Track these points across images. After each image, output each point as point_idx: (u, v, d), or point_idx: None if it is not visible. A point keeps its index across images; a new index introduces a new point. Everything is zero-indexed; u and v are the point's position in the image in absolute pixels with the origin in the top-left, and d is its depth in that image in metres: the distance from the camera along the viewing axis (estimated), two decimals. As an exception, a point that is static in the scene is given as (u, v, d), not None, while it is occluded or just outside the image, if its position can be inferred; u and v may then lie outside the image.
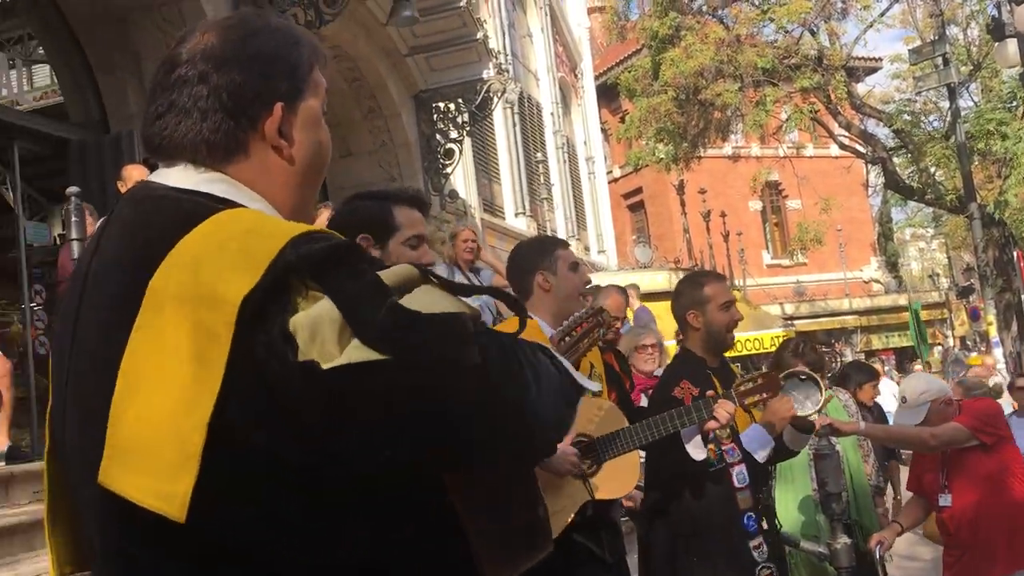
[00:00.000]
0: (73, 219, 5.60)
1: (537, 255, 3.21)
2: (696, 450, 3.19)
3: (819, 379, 3.48)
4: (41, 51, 11.03)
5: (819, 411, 3.48)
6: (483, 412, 1.02)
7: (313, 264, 1.01)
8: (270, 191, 1.19)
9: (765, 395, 3.19)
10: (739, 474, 3.28)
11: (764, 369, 3.59)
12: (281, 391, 0.98)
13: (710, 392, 3.23)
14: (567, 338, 2.60)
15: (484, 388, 1.02)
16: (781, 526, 4.06)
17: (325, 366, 0.96)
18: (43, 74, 13.42)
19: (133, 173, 5.94)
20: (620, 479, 3.09)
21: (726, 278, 3.95)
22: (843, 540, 3.98)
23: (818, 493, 4.45)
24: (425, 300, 1.04)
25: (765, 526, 3.39)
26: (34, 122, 9.01)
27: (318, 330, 0.97)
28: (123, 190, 5.85)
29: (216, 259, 1.01)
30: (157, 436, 0.98)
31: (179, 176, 1.18)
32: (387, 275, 1.04)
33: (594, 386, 1.24)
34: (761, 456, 3.34)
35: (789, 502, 4.76)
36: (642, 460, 3.69)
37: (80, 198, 5.77)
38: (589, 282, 3.28)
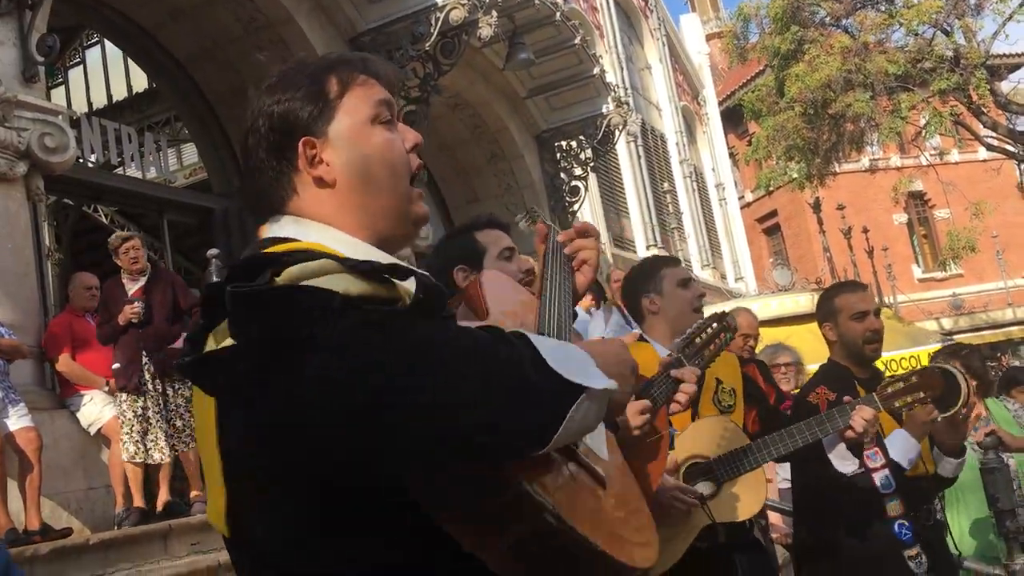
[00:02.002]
0: (214, 279, 5.88)
1: (642, 278, 3.15)
2: (841, 461, 3.01)
3: (959, 372, 3.18)
4: (186, 131, 11.75)
5: (963, 406, 3.19)
6: (320, 399, 0.99)
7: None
8: (331, 218, 1.25)
9: (922, 395, 2.92)
10: (883, 479, 3.01)
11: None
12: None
13: (847, 398, 2.99)
14: (689, 347, 2.49)
15: (321, 369, 0.98)
16: (960, 553, 3.79)
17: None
18: (191, 152, 14.30)
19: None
20: (743, 500, 2.91)
21: (866, 287, 3.74)
22: (1021, 561, 3.66)
23: (991, 511, 4.11)
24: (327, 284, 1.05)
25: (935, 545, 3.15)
26: (180, 195, 9.61)
27: (219, 335, 1.08)
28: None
29: None
30: (209, 466, 1.15)
31: (269, 227, 1.29)
32: (289, 274, 1.06)
33: (609, 383, 1.05)
34: (906, 461, 3.09)
35: (962, 524, 4.44)
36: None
37: (221, 260, 6.07)
38: (702, 295, 3.12)
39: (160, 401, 5.92)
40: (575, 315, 1.62)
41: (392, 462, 1.01)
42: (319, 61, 1.34)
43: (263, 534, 1.12)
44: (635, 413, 1.80)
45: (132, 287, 6.16)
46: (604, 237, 14.17)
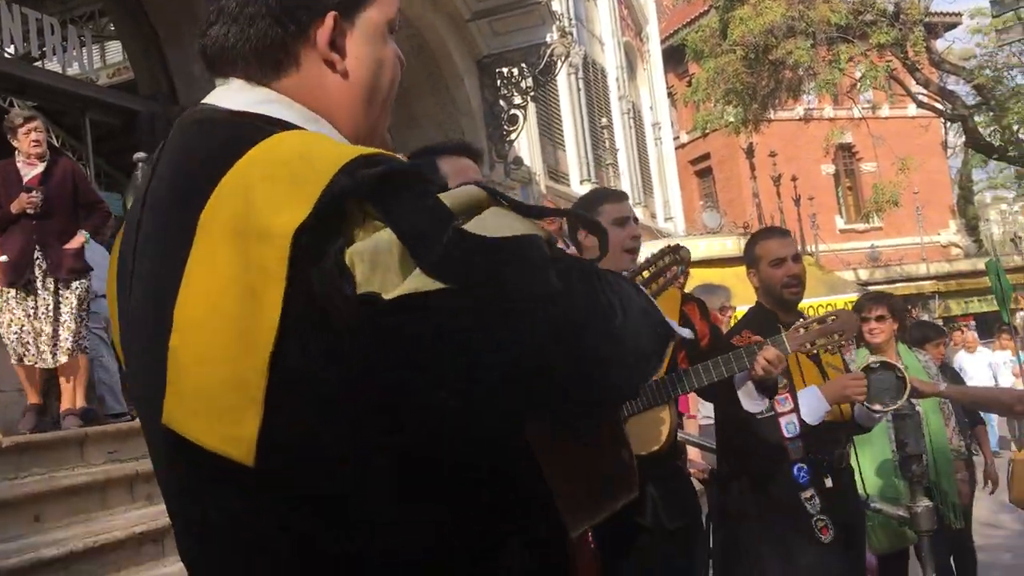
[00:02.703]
0: (140, 183, 5.67)
1: (582, 210, 3.12)
2: (750, 400, 3.06)
3: (904, 375, 3.31)
4: (112, 27, 11.22)
5: (893, 410, 3.35)
6: (567, 344, 0.92)
7: (370, 189, 0.92)
8: (328, 110, 1.11)
9: (836, 337, 2.94)
10: (788, 424, 3.10)
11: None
12: (340, 327, 0.91)
13: (755, 338, 3.00)
14: (640, 276, 2.49)
15: (566, 317, 0.93)
16: (867, 495, 3.95)
17: (386, 297, 0.89)
18: (115, 50, 13.67)
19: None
20: (646, 435, 2.92)
21: (787, 232, 3.80)
22: (923, 503, 3.82)
23: (897, 455, 4.28)
24: (494, 223, 0.95)
25: (830, 483, 3.26)
26: (105, 94, 9.21)
27: (378, 260, 0.90)
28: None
29: (266, 188, 0.93)
30: (219, 379, 0.95)
31: (232, 96, 1.10)
32: (450, 197, 0.96)
33: (685, 332, 1.17)
34: (811, 419, 3.18)
35: (867, 465, 4.59)
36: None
37: (148, 163, 5.84)
38: (637, 237, 3.04)
39: (51, 302, 5.47)
40: None
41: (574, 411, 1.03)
42: None
43: (311, 469, 0.97)
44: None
45: (28, 173, 5.60)
46: (539, 169, 14.12)
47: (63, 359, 5.55)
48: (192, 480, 1.04)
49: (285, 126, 1.04)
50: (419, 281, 0.89)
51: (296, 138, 1.01)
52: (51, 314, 5.50)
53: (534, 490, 1.06)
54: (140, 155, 5.82)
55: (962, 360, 13.43)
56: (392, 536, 0.97)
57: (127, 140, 9.16)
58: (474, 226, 0.94)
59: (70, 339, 5.55)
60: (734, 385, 3.07)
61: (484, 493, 1.02)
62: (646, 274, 2.50)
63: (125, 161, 10.26)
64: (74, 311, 5.62)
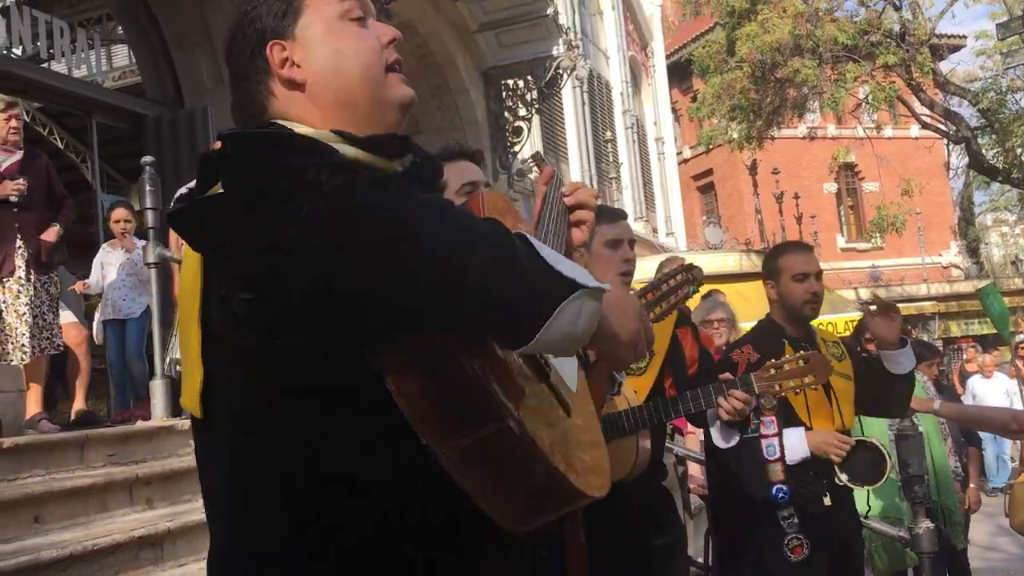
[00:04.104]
0: (148, 188, 5.66)
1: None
2: (718, 435, 3.05)
3: (887, 459, 3.31)
4: (120, 31, 11.24)
5: (871, 488, 3.36)
6: (313, 243, 0.98)
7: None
8: (309, 118, 1.24)
9: (808, 380, 2.84)
10: (769, 446, 3.12)
11: (824, 352, 3.30)
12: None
13: (725, 376, 2.90)
14: (649, 295, 2.48)
15: (318, 214, 0.98)
16: (869, 509, 3.96)
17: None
18: (122, 54, 13.70)
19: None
20: (615, 464, 2.89)
21: (811, 248, 3.80)
22: (925, 524, 3.83)
23: (899, 475, 4.28)
24: None
25: (828, 502, 3.26)
26: (111, 97, 9.21)
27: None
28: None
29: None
30: (188, 347, 1.18)
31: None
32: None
33: (604, 284, 1.03)
34: (789, 458, 3.20)
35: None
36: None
37: (154, 168, 5.84)
38: (630, 260, 2.88)
39: (31, 292, 5.36)
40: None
41: (383, 316, 0.99)
42: None
43: (231, 418, 1.14)
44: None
45: (5, 160, 5.49)
46: (543, 180, 14.13)
47: (51, 352, 5.55)
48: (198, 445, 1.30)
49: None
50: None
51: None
52: (34, 307, 5.39)
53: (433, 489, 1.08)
54: (147, 159, 5.82)
55: (975, 386, 12.27)
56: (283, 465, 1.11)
57: (132, 144, 9.18)
58: None
59: (47, 334, 5.48)
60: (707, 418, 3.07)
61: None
62: (657, 292, 2.49)
63: (130, 165, 10.27)
64: (53, 305, 5.58)
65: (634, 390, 2.94)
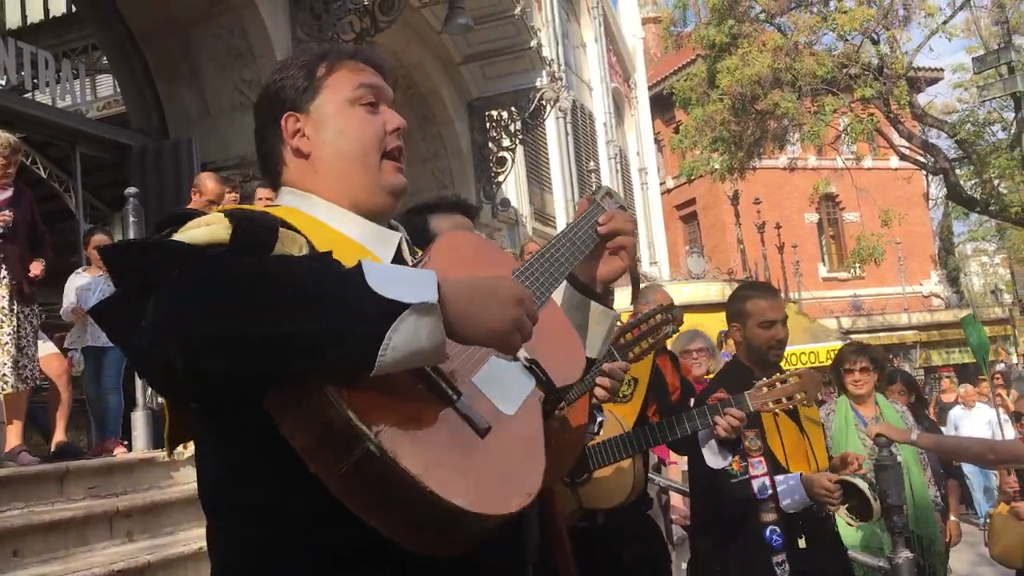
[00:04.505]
0: (131, 219, 5.67)
1: None
2: (712, 457, 3.06)
3: (873, 500, 3.31)
4: (105, 61, 11.27)
5: (856, 525, 3.38)
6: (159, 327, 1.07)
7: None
8: (313, 186, 1.41)
9: (799, 397, 2.92)
10: (761, 486, 3.12)
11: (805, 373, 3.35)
12: None
13: (719, 395, 2.99)
14: (628, 334, 2.52)
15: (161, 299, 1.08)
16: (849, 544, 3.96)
17: None
18: (106, 84, 13.70)
19: (208, 182, 6.05)
20: (612, 487, 2.96)
21: (778, 292, 3.81)
22: (904, 554, 3.85)
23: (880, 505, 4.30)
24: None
25: (804, 544, 3.26)
26: (95, 127, 9.20)
27: None
28: (197, 197, 5.93)
29: None
30: None
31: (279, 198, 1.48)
32: (186, 235, 1.20)
33: (426, 296, 1.06)
34: (786, 506, 3.18)
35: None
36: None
37: (138, 199, 5.85)
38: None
39: (14, 323, 5.37)
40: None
41: (230, 385, 1.09)
42: (318, 49, 1.50)
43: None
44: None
45: None
46: (526, 211, 14.21)
47: (20, 386, 5.46)
48: None
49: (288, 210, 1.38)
50: None
51: None
52: (17, 338, 5.39)
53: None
54: (131, 190, 5.83)
55: (956, 417, 11.76)
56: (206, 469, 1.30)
57: (116, 173, 9.17)
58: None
59: (29, 365, 5.48)
60: (698, 441, 3.09)
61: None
62: (635, 332, 2.52)
63: (113, 194, 10.25)
64: (35, 336, 5.57)
65: (621, 416, 3.00)
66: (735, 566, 3.23)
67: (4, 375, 5.31)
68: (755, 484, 3.14)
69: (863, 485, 3.36)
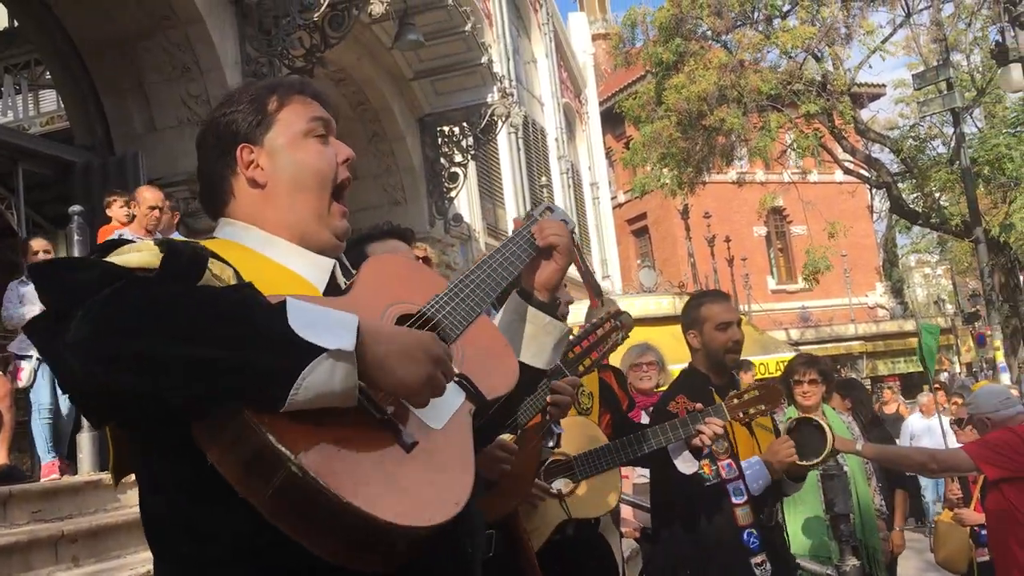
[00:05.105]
0: (76, 237, 5.58)
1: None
2: (685, 464, 3.13)
3: (828, 431, 3.42)
4: (48, 76, 11.09)
5: (819, 464, 3.46)
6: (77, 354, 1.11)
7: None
8: (259, 217, 1.44)
9: (764, 407, 3.11)
10: (736, 489, 3.21)
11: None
12: None
13: (698, 405, 3.16)
14: (577, 347, 2.55)
15: (75, 331, 1.11)
16: (789, 547, 4.02)
17: None
18: (50, 99, 13.48)
19: (146, 195, 5.96)
20: (600, 498, 3.03)
21: (729, 298, 3.92)
22: (851, 562, 3.93)
23: (826, 514, 4.38)
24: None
25: (775, 545, 3.34)
26: (39, 144, 9.04)
27: None
28: (136, 211, 5.85)
29: None
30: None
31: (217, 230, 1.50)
32: (119, 258, 1.25)
33: (343, 343, 1.10)
34: (755, 489, 3.27)
35: (797, 523, 4.69)
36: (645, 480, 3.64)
37: (84, 217, 5.76)
38: (569, 302, 3.07)
39: None
40: (505, 296, 1.62)
41: (154, 407, 1.11)
42: (264, 83, 1.55)
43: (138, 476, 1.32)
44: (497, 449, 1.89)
45: None
46: (478, 226, 14.24)
47: None
48: None
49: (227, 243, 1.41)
50: None
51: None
52: None
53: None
54: (75, 208, 5.74)
55: (913, 426, 11.41)
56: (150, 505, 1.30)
57: (60, 188, 9.00)
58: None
59: None
60: (668, 452, 3.14)
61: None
62: (585, 343, 2.55)
63: (57, 212, 10.07)
64: None
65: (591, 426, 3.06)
66: (714, 570, 3.26)
67: None
68: (730, 488, 3.21)
69: (814, 418, 3.49)
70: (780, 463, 3.28)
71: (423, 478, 1.21)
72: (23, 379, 6.37)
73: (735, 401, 3.11)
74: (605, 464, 3.01)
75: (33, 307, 6.43)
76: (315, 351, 1.08)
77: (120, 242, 1.29)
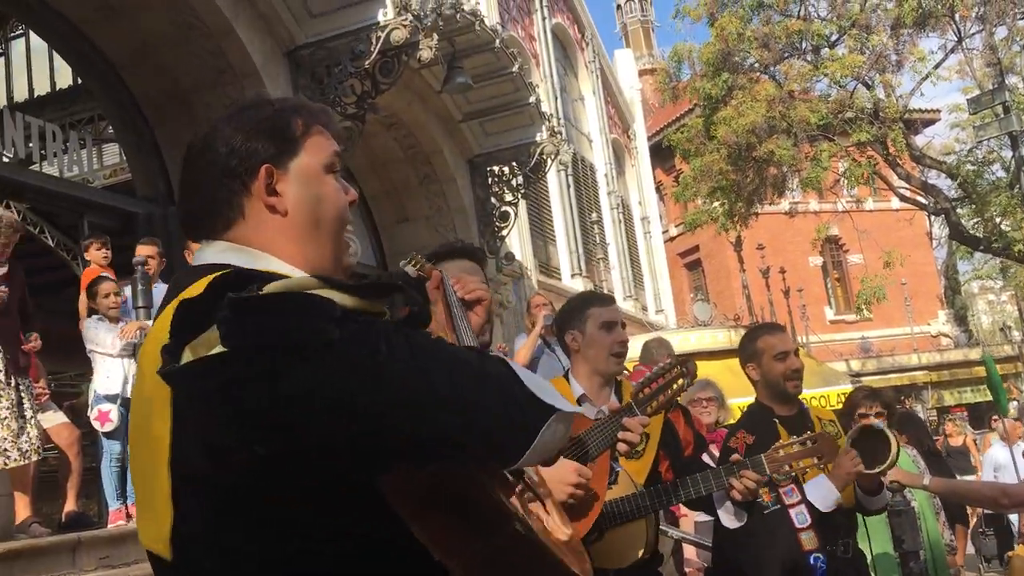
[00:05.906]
0: (140, 287, 5.74)
1: (569, 314, 3.18)
2: (727, 516, 3.09)
3: (892, 435, 3.35)
4: (110, 130, 11.45)
5: (886, 470, 3.36)
6: (330, 397, 0.98)
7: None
8: (274, 245, 1.30)
9: (816, 460, 2.98)
10: (799, 514, 3.15)
11: (820, 430, 3.31)
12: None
13: (735, 457, 3.07)
14: (644, 391, 2.55)
15: (333, 369, 0.98)
16: None
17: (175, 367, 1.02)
18: (112, 152, 13.89)
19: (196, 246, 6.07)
20: (625, 547, 2.92)
21: (784, 328, 3.90)
22: (924, 600, 3.81)
23: (896, 551, 4.27)
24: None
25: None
26: (103, 197, 9.32)
27: (199, 345, 1.02)
28: (190, 260, 5.94)
29: (167, 322, 1.11)
30: (152, 487, 1.14)
31: (200, 254, 1.34)
32: (275, 287, 1.05)
33: (576, 408, 1.15)
34: (823, 507, 3.23)
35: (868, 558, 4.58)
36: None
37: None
38: (624, 342, 3.07)
39: (12, 396, 5.38)
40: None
41: (394, 456, 1.02)
42: (283, 101, 1.42)
43: (211, 565, 1.12)
44: (572, 473, 1.90)
45: None
46: (530, 264, 14.28)
47: (34, 457, 5.48)
48: None
49: (236, 269, 1.21)
50: (204, 349, 1.01)
51: (210, 279, 1.15)
52: (16, 410, 5.40)
53: None
54: (140, 258, 5.91)
55: (997, 457, 10.18)
56: None
57: (123, 241, 9.26)
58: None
59: (28, 438, 5.45)
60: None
61: None
62: (652, 387, 2.55)
63: (120, 261, 10.34)
64: (33, 408, 5.59)
65: (633, 472, 3.00)
66: None
67: (5, 449, 5.30)
68: (792, 513, 3.16)
69: (876, 423, 3.40)
70: (846, 475, 3.23)
71: (564, 535, 1.26)
72: (113, 420, 6.07)
73: (779, 453, 2.97)
74: (633, 514, 2.88)
75: (114, 339, 6.31)
76: (551, 411, 1.09)
77: (263, 277, 1.11)
